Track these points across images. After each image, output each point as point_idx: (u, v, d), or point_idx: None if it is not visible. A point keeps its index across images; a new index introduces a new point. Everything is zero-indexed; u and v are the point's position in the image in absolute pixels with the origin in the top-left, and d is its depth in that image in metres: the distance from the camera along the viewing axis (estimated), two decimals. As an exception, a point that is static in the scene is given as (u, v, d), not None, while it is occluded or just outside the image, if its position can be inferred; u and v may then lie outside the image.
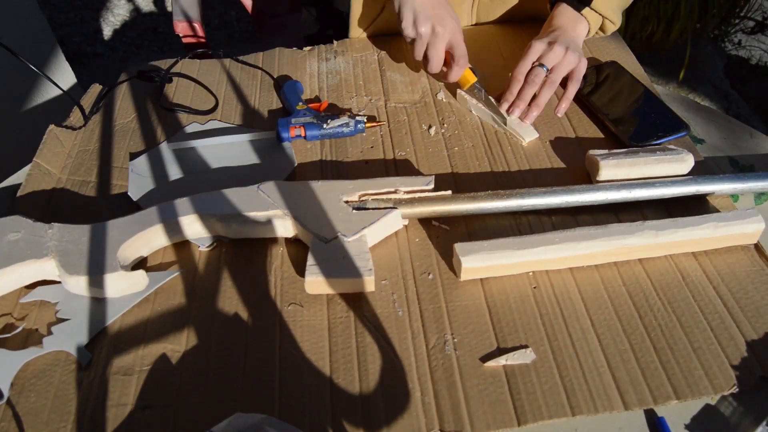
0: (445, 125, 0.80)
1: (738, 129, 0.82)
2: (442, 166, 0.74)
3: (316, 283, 0.60)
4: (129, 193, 0.71)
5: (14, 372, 0.56)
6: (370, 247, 0.65)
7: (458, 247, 0.61)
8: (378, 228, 0.64)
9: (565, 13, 0.83)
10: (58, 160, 0.78)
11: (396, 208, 0.65)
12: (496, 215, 0.68)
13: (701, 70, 1.97)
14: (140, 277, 0.62)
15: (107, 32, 2.27)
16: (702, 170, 0.72)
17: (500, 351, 0.56)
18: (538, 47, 0.79)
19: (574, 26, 0.82)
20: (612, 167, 0.68)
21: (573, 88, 0.80)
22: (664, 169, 0.70)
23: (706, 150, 0.78)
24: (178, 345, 0.58)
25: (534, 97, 0.79)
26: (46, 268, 0.61)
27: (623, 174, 0.69)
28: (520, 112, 0.79)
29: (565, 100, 0.80)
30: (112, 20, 2.32)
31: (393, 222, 0.66)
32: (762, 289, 0.60)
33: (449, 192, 0.67)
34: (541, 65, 0.78)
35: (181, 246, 0.67)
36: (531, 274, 0.62)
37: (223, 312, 0.60)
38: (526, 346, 0.56)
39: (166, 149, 0.78)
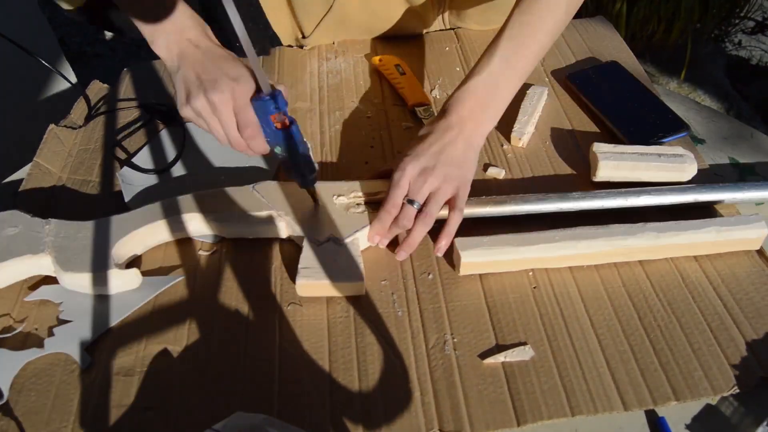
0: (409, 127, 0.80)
1: (739, 129, 0.82)
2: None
3: (307, 286, 0.60)
4: (126, 202, 0.71)
5: (15, 372, 0.56)
6: (367, 248, 0.65)
7: (458, 242, 0.61)
8: None
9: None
10: (59, 159, 0.78)
11: None
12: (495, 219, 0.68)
13: (702, 70, 1.97)
14: (133, 275, 0.62)
15: (108, 32, 2.27)
16: (704, 176, 0.71)
17: (499, 348, 0.56)
18: (408, 175, 0.63)
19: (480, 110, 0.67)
20: (611, 168, 0.68)
21: (455, 221, 0.64)
22: (664, 176, 0.69)
23: (706, 150, 0.78)
24: (178, 345, 0.58)
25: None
26: (42, 263, 0.62)
27: (621, 176, 0.69)
28: (390, 247, 0.66)
29: (444, 236, 0.64)
30: (113, 19, 2.32)
31: None
32: (762, 290, 0.60)
33: None
34: (411, 201, 0.63)
35: (182, 248, 0.67)
36: (531, 273, 0.62)
37: (223, 312, 0.60)
38: (525, 343, 0.56)
39: (148, 152, 0.77)
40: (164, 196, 0.66)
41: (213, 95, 0.59)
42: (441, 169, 0.63)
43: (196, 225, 0.65)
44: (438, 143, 0.65)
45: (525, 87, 0.78)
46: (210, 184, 0.69)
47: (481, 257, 0.61)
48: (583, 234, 0.62)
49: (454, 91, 0.68)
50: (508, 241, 0.61)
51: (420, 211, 0.63)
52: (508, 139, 0.77)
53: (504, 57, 0.67)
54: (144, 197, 0.71)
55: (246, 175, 0.73)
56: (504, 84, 0.68)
